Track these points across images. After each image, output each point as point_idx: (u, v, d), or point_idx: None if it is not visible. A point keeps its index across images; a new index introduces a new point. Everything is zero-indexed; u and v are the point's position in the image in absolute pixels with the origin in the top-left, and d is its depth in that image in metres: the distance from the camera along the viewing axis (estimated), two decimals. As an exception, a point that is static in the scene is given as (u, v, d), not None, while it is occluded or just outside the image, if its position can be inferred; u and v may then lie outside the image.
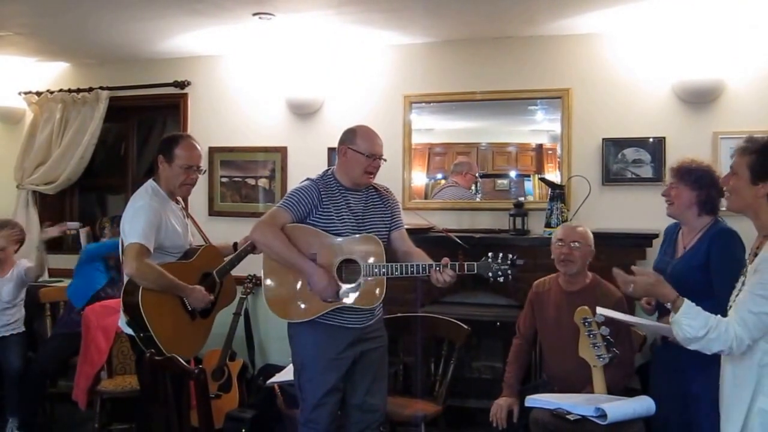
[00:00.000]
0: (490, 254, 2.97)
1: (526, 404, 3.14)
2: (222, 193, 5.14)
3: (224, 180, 5.13)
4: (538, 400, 3.10)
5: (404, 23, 4.29)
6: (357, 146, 3.06)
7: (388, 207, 3.21)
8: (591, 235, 3.47)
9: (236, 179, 5.11)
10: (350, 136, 3.11)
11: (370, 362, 3.16)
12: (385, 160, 3.15)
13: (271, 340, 4.96)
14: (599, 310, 3.03)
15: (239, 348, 4.74)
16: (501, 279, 2.94)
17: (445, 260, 2.94)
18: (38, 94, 5.52)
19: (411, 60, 4.72)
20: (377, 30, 4.43)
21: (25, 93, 5.56)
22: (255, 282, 4.72)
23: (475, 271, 2.94)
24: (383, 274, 2.99)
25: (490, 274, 2.95)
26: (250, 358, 4.84)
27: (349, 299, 3.02)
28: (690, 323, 2.20)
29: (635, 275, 2.40)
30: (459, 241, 3.37)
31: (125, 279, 3.10)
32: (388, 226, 3.19)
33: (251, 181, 5.08)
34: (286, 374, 3.96)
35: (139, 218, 3.09)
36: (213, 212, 5.11)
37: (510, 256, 2.97)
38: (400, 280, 3.23)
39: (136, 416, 3.94)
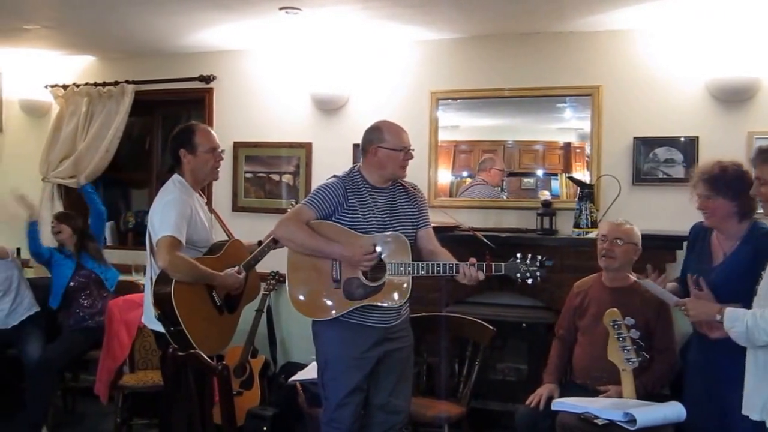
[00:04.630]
0: (518, 255, 2.91)
1: (553, 407, 3.08)
2: (246, 188, 5.11)
3: (248, 175, 5.10)
4: (565, 403, 3.04)
5: (431, 18, 4.23)
6: (387, 143, 3.01)
7: (415, 205, 3.15)
8: (637, 233, 3.42)
9: (260, 175, 5.08)
10: (377, 134, 3.05)
11: (394, 362, 3.11)
12: (413, 150, 3.10)
13: (293, 337, 4.93)
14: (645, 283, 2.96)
15: (261, 345, 4.71)
16: (529, 280, 2.88)
17: (472, 260, 2.89)
18: (64, 87, 5.53)
19: (438, 56, 4.66)
20: (404, 25, 4.37)
21: (52, 86, 5.57)
22: (278, 279, 4.69)
23: (503, 272, 2.89)
24: (409, 273, 2.94)
25: (518, 275, 2.89)
26: (272, 356, 4.81)
27: (374, 298, 2.97)
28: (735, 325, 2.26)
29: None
30: (486, 240, 3.30)
31: (157, 272, 3.07)
32: (415, 224, 3.13)
33: (275, 177, 5.05)
34: (309, 372, 3.95)
35: (170, 211, 3.06)
36: (237, 208, 5.09)
37: (539, 257, 2.91)
38: (424, 280, 3.17)
39: (159, 412, 3.94)
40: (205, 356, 2.43)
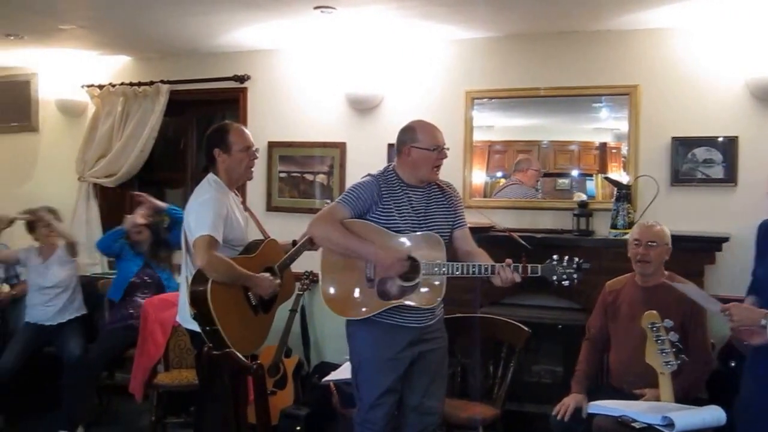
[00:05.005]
0: (555, 257, 2.86)
1: (589, 410, 3.03)
2: (280, 188, 5.12)
3: (282, 175, 5.11)
4: (602, 406, 2.99)
5: (466, 17, 4.20)
6: (421, 143, 2.98)
7: (451, 204, 3.11)
8: (668, 233, 3.37)
9: (294, 174, 5.09)
10: (410, 134, 3.02)
11: (428, 363, 3.08)
12: (447, 149, 3.07)
13: (326, 337, 4.93)
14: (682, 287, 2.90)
15: (295, 345, 4.72)
16: (566, 283, 2.84)
17: (508, 261, 2.85)
18: (100, 87, 5.59)
19: (473, 55, 4.62)
20: (439, 24, 4.35)
21: (88, 86, 5.65)
22: (312, 279, 4.69)
23: (539, 274, 2.84)
24: (443, 273, 2.91)
25: (555, 277, 2.84)
26: (305, 356, 4.81)
27: (408, 298, 2.95)
28: None
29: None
30: (522, 242, 3.25)
31: (192, 271, 3.08)
32: (451, 224, 3.09)
33: (309, 177, 5.06)
34: (342, 372, 3.94)
35: (207, 210, 3.07)
36: (271, 207, 5.10)
37: (576, 259, 2.86)
38: (458, 280, 3.14)
39: (193, 411, 3.97)
40: (240, 355, 2.42)
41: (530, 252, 3.18)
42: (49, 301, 4.64)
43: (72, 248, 4.69)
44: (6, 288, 4.83)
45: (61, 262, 4.67)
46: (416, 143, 2.99)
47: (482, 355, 3.99)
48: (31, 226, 4.74)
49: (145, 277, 4.70)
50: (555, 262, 2.85)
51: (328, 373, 4.15)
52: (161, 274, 4.74)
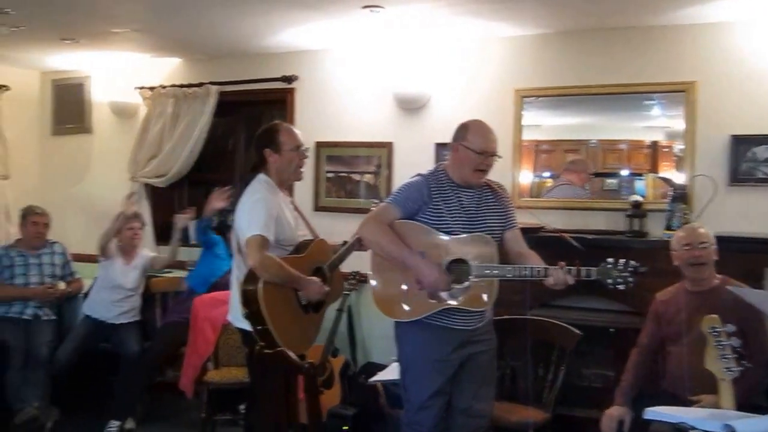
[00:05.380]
0: (609, 260, 2.79)
1: (645, 417, 2.95)
2: (327, 188, 5.13)
3: (329, 175, 5.12)
4: (659, 413, 2.90)
5: (516, 14, 4.14)
6: (468, 143, 2.94)
7: (502, 205, 3.07)
8: (711, 233, 3.30)
9: (341, 174, 5.10)
10: (462, 132, 2.99)
11: (478, 366, 3.05)
12: (499, 157, 3.02)
13: (373, 338, 4.92)
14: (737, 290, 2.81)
15: (341, 345, 4.73)
16: (621, 287, 2.77)
17: (561, 264, 2.79)
18: (152, 89, 5.69)
19: (522, 53, 4.56)
20: (487, 22, 4.29)
21: (140, 88, 5.75)
22: (359, 279, 4.68)
23: (594, 277, 2.78)
24: (495, 276, 2.88)
25: (610, 281, 2.77)
26: (352, 356, 4.82)
27: (458, 300, 2.92)
28: None
29: None
30: (576, 243, 3.19)
31: (243, 271, 3.10)
32: (502, 225, 3.05)
33: (356, 177, 5.06)
34: (389, 373, 3.93)
35: (259, 210, 3.08)
36: (318, 207, 5.11)
37: (632, 263, 2.78)
38: (507, 281, 3.09)
39: (244, 409, 4.00)
40: (292, 354, 2.42)
41: (582, 254, 3.12)
42: (118, 301, 4.78)
43: (162, 262, 4.84)
44: (62, 285, 4.94)
45: (143, 268, 4.83)
46: (464, 141, 2.95)
47: (532, 357, 3.93)
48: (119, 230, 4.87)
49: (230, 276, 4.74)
50: (610, 266, 2.78)
51: (374, 374, 4.15)
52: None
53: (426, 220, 2.94)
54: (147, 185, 5.71)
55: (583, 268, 2.78)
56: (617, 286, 2.77)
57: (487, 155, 2.94)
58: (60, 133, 6.26)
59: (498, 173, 3.44)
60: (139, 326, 4.87)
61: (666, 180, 4.14)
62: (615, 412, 3.21)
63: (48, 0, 4.00)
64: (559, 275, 2.77)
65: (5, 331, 4.62)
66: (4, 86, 5.83)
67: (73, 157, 6.18)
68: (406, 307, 2.96)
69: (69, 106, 6.16)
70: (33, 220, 4.95)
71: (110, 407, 4.45)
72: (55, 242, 5.00)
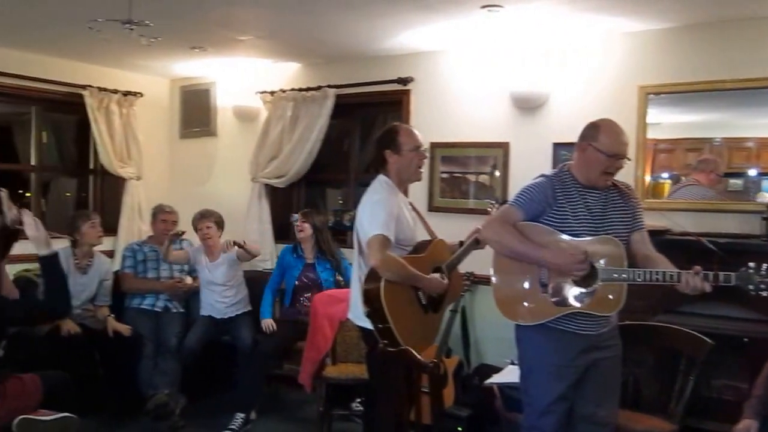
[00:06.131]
0: (751, 264, 2.64)
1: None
2: (442, 188, 5.13)
3: (444, 176, 5.12)
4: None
5: (640, 8, 3.99)
6: (599, 144, 2.84)
7: (629, 206, 2.97)
8: None
9: (456, 175, 5.08)
10: (592, 131, 2.89)
11: (602, 372, 2.96)
12: (629, 159, 2.92)
13: (487, 339, 4.88)
14: None
15: (455, 345, 4.72)
16: (765, 293, 2.61)
17: (697, 269, 2.66)
18: (272, 93, 5.87)
19: (647, 48, 4.39)
20: (610, 17, 4.17)
21: (261, 93, 5.94)
22: (473, 280, 4.66)
23: (733, 283, 2.63)
24: (624, 280, 2.78)
25: (751, 286, 2.62)
26: (465, 356, 4.80)
27: (583, 304, 2.85)
28: None
29: None
30: (713, 247, 3.03)
31: (365, 270, 3.15)
32: (629, 227, 2.95)
33: (471, 177, 5.03)
34: (506, 375, 3.89)
35: (380, 211, 3.13)
36: (432, 208, 5.10)
37: None
38: (630, 286, 2.99)
39: (363, 405, 4.06)
40: (416, 353, 2.44)
41: (718, 258, 2.97)
42: (218, 298, 4.98)
43: (246, 256, 4.97)
44: (190, 279, 5.19)
45: (230, 262, 4.98)
46: (594, 142, 2.86)
47: (657, 365, 3.78)
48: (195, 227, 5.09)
49: (305, 280, 4.91)
50: (752, 270, 2.63)
51: (488, 375, 4.11)
52: (322, 274, 4.91)
53: (550, 222, 2.88)
54: (267, 185, 5.90)
55: (720, 273, 2.64)
56: (760, 293, 2.62)
57: (617, 158, 2.85)
58: (187, 136, 6.59)
59: (621, 173, 3.34)
60: (251, 317, 5.02)
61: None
62: (741, 427, 3.03)
63: (183, 11, 4.21)
64: (694, 281, 2.65)
65: (138, 322, 4.92)
66: (138, 93, 6.19)
67: (199, 158, 6.49)
68: (529, 311, 2.92)
69: (195, 111, 6.47)
70: (162, 217, 5.25)
71: (234, 399, 4.63)
72: (183, 239, 5.26)
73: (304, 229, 4.91)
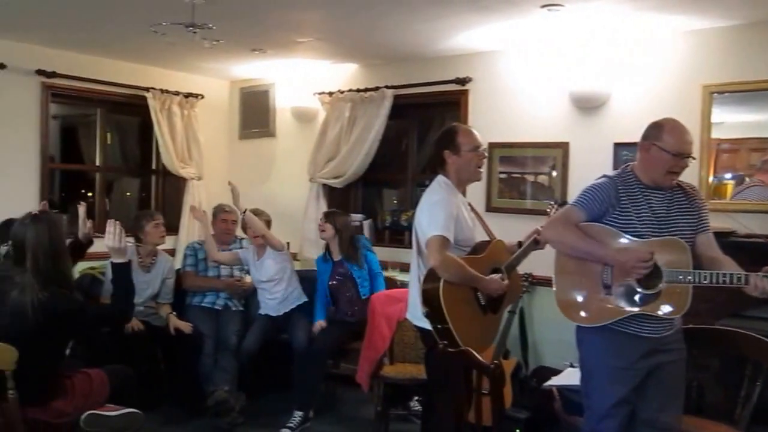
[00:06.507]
0: None
1: None
2: (500, 189, 5.10)
3: (502, 176, 5.09)
4: None
5: (704, 6, 3.90)
6: (663, 143, 2.80)
7: (694, 207, 2.91)
8: None
9: (515, 175, 5.05)
10: (656, 131, 2.85)
11: (665, 375, 2.91)
12: (694, 159, 2.87)
13: (545, 341, 4.84)
14: None
15: (513, 347, 4.69)
16: (836, 297, 2.53)
17: (767, 269, 2.60)
18: (330, 94, 5.93)
19: (711, 46, 4.29)
20: (673, 15, 4.09)
21: (319, 93, 6.01)
22: (531, 281, 4.63)
23: (807, 285, 2.56)
24: (689, 282, 2.73)
25: None
26: (523, 358, 4.77)
27: (647, 306, 2.80)
28: None
29: None
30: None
31: (423, 270, 3.17)
32: (694, 228, 2.89)
33: (530, 178, 4.99)
34: (565, 378, 3.84)
35: (439, 211, 3.14)
36: (490, 208, 5.08)
37: None
38: (696, 288, 2.92)
39: (422, 405, 4.07)
40: (477, 354, 2.45)
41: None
42: (270, 294, 5.02)
43: (275, 245, 4.97)
44: (248, 278, 5.29)
45: (272, 256, 5.00)
46: (658, 141, 2.82)
47: (722, 371, 3.68)
48: (243, 227, 5.15)
49: (338, 277, 4.92)
50: (828, 273, 2.56)
51: (546, 377, 4.07)
52: (352, 269, 4.92)
53: (613, 223, 2.85)
54: (324, 186, 5.96)
55: (793, 275, 2.57)
56: (834, 297, 2.54)
57: (682, 157, 2.80)
58: (246, 137, 6.71)
59: (684, 174, 3.28)
60: (308, 314, 5.02)
61: None
62: None
63: (245, 14, 4.30)
64: (763, 283, 2.59)
65: (199, 319, 5.01)
66: (198, 95, 6.34)
67: (257, 159, 6.60)
68: (591, 313, 2.89)
69: (255, 112, 6.59)
70: (223, 217, 5.35)
71: (292, 397, 4.69)
72: (242, 238, 5.35)
73: (326, 230, 4.95)
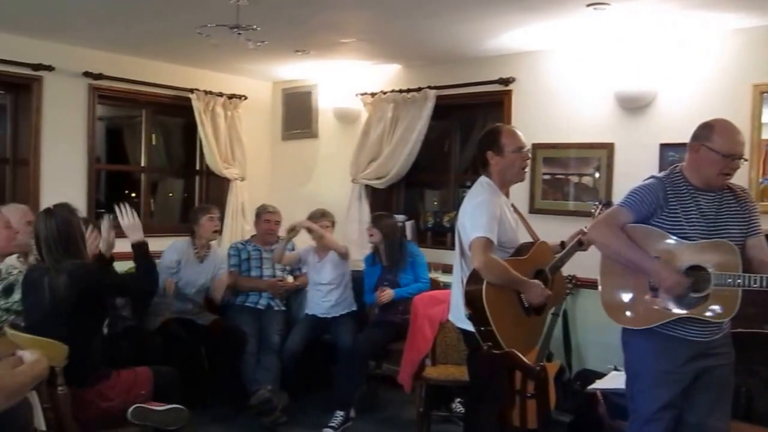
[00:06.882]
0: None
1: None
2: (543, 190, 5.05)
3: (546, 177, 5.05)
4: None
5: (753, 3, 3.82)
6: (713, 144, 2.76)
7: (745, 210, 2.85)
8: None
9: (558, 176, 5.00)
10: (706, 132, 2.81)
11: (713, 380, 2.86)
12: (745, 160, 2.82)
13: (589, 344, 4.78)
14: None
15: (556, 349, 4.65)
16: None
17: (819, 276, 2.54)
18: (372, 95, 5.94)
19: (760, 45, 4.19)
20: (722, 13, 4.01)
21: (361, 94, 6.03)
22: (576, 283, 4.58)
23: None
24: (738, 285, 2.67)
25: None
26: (566, 361, 4.73)
27: (694, 310, 2.76)
28: None
29: None
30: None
31: (467, 272, 3.16)
32: (744, 231, 2.83)
33: (574, 179, 4.93)
34: (609, 382, 3.80)
35: (482, 213, 3.13)
36: (533, 210, 5.03)
37: None
38: (745, 292, 2.86)
39: (464, 407, 4.06)
40: (522, 357, 2.44)
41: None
42: (324, 297, 5.07)
43: (343, 255, 5.04)
44: (290, 279, 5.34)
45: (334, 262, 5.06)
46: (708, 142, 2.78)
47: (770, 376, 3.61)
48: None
49: (386, 283, 4.95)
50: None
51: (590, 381, 4.03)
52: (399, 276, 4.95)
53: (661, 224, 2.81)
54: (367, 186, 5.98)
55: None
56: None
57: (733, 158, 2.75)
58: (289, 138, 6.76)
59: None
60: (355, 318, 5.10)
61: None
62: None
63: (289, 15, 4.33)
64: None
65: (242, 319, 5.10)
66: (242, 96, 6.42)
67: (300, 159, 6.65)
68: (637, 315, 2.86)
69: (297, 113, 6.64)
70: (266, 217, 5.41)
71: (334, 397, 4.72)
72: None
73: (374, 234, 4.98)
